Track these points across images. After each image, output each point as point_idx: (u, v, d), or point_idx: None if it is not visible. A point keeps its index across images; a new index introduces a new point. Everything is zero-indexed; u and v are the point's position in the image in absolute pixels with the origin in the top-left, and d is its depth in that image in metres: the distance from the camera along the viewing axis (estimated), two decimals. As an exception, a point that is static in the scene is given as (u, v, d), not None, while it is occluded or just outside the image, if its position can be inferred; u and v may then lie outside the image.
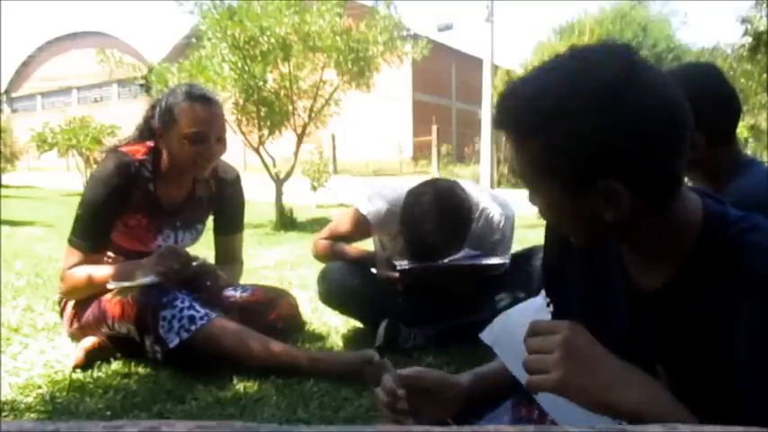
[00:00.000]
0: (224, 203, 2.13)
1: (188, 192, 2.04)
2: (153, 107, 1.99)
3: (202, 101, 1.87)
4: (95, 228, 1.90)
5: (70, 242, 1.91)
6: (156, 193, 1.95)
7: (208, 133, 1.86)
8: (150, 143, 1.96)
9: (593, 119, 0.75)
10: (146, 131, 2.00)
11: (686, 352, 0.83)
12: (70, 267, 1.89)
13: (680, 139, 0.77)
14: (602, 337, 0.93)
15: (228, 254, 2.18)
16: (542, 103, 0.77)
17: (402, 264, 2.02)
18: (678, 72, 1.55)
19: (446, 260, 1.99)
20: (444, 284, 2.10)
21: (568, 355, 0.76)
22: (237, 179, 2.16)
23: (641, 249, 0.86)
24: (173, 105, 1.86)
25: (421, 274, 2.02)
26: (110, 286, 1.79)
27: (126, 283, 1.79)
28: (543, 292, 1.01)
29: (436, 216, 1.90)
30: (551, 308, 0.96)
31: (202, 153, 1.87)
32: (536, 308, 1.00)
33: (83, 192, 1.95)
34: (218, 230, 2.18)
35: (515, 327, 0.90)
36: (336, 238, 2.22)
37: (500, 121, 0.83)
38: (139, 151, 1.95)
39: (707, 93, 1.43)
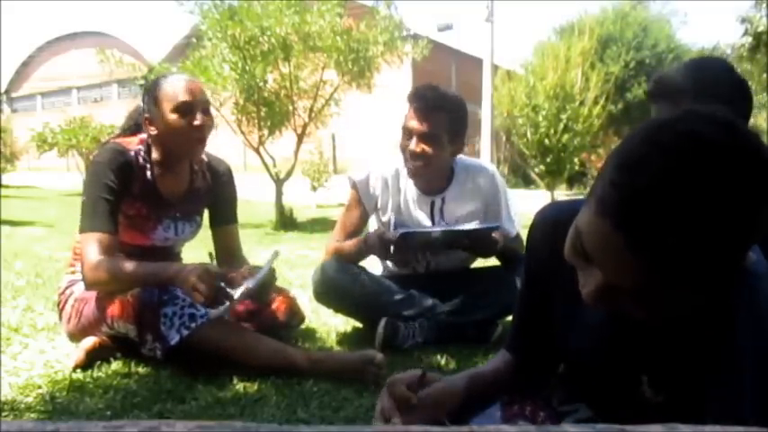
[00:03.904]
0: (219, 194, 2.15)
1: (187, 183, 2.06)
2: (139, 106, 2.10)
3: (182, 77, 1.98)
4: (108, 209, 1.87)
5: (87, 230, 1.86)
6: (155, 182, 1.97)
7: (193, 103, 1.92)
8: (142, 135, 2.00)
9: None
10: (133, 127, 2.08)
11: (671, 362, 0.82)
12: (96, 255, 1.82)
13: None
14: (579, 346, 0.92)
15: (230, 247, 2.18)
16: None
17: (401, 230, 2.02)
18: (691, 64, 1.58)
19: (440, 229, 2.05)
20: (436, 250, 2.14)
21: None
22: (229, 170, 2.20)
23: None
24: (156, 88, 1.95)
25: (418, 237, 2.02)
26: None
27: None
28: None
29: None
30: None
31: (192, 123, 1.91)
32: None
33: (84, 181, 1.94)
34: (215, 222, 2.18)
35: None
36: (346, 231, 2.21)
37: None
38: (132, 142, 1.98)
39: (720, 80, 1.47)
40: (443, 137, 2.04)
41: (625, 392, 0.88)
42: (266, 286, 1.89)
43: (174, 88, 1.91)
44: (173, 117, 1.90)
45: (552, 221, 0.96)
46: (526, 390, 1.05)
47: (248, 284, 1.76)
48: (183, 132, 1.91)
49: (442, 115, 2.04)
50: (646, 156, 0.66)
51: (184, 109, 1.90)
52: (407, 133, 2.06)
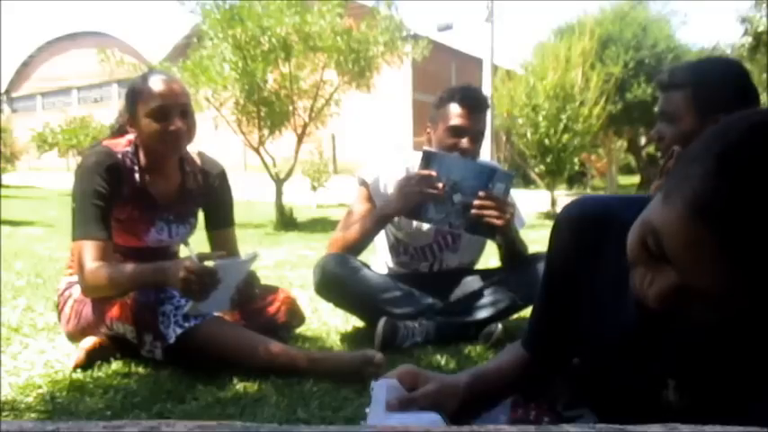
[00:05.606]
0: (213, 196, 2.12)
1: (178, 185, 2.03)
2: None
3: (158, 79, 1.91)
4: (99, 214, 1.83)
5: (80, 237, 1.83)
6: (144, 184, 1.95)
7: (169, 106, 1.87)
8: (130, 136, 1.96)
9: None
10: (121, 128, 2.03)
11: (702, 366, 0.80)
12: (92, 262, 1.80)
13: None
14: (605, 345, 0.90)
15: (227, 251, 2.17)
16: None
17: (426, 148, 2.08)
18: (705, 62, 1.61)
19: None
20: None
21: None
22: (223, 172, 2.16)
23: None
24: (133, 90, 1.91)
25: (442, 159, 2.02)
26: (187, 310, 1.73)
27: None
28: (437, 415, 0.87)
29: None
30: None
31: (168, 128, 1.86)
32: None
33: (73, 187, 1.89)
34: (211, 225, 2.16)
35: None
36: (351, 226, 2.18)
37: None
38: (119, 144, 1.95)
39: (728, 81, 1.49)
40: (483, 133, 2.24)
41: (644, 395, 0.86)
42: (247, 289, 1.89)
43: (150, 91, 1.86)
44: (147, 121, 1.86)
45: (579, 218, 0.93)
46: (532, 389, 1.04)
47: (231, 287, 1.76)
48: (158, 137, 1.87)
49: (485, 114, 2.22)
50: (751, 153, 0.61)
51: (159, 114, 1.85)
52: (456, 132, 2.13)
